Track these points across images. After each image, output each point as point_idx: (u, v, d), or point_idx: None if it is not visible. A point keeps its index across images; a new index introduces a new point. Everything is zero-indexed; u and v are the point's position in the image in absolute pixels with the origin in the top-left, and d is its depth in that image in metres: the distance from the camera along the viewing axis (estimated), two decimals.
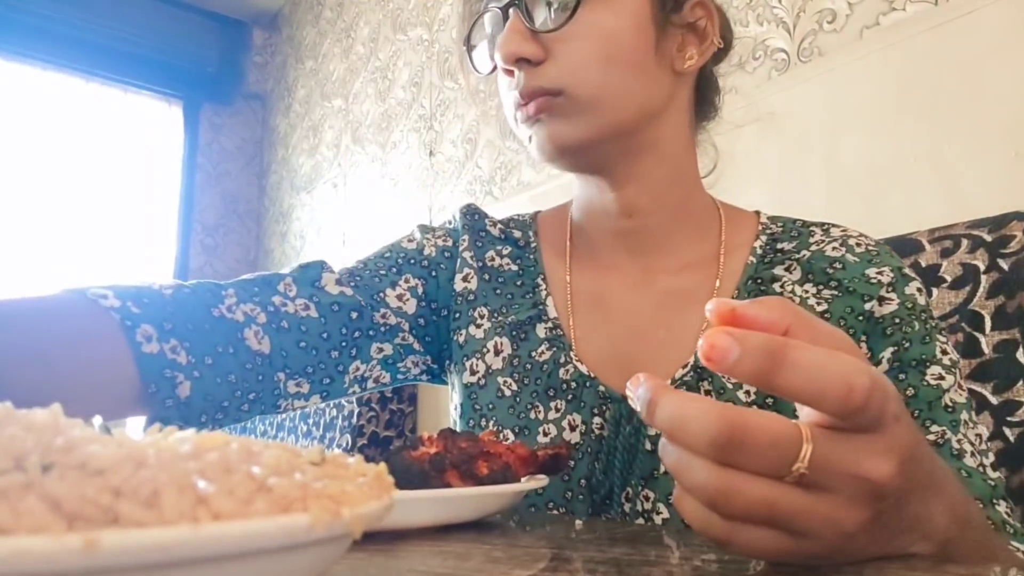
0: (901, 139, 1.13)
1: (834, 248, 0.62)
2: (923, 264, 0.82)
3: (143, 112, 3.28)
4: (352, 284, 0.68)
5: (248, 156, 3.57)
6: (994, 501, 0.51)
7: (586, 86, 0.57)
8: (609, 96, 0.58)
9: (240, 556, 0.18)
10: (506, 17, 0.59)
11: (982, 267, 0.77)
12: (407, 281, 0.70)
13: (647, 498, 0.58)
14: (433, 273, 0.72)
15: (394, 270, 0.71)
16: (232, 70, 3.47)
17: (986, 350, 0.75)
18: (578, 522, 0.55)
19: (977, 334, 0.76)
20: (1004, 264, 0.76)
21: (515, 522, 0.56)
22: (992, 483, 0.52)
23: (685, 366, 0.60)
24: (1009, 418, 0.72)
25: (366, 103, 2.71)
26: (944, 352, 0.57)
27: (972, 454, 0.53)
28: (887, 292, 0.59)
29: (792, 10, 1.30)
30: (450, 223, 0.77)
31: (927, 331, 0.58)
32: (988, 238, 0.78)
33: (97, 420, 0.26)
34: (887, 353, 0.57)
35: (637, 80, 0.59)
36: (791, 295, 0.61)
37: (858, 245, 0.62)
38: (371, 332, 0.67)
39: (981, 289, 0.77)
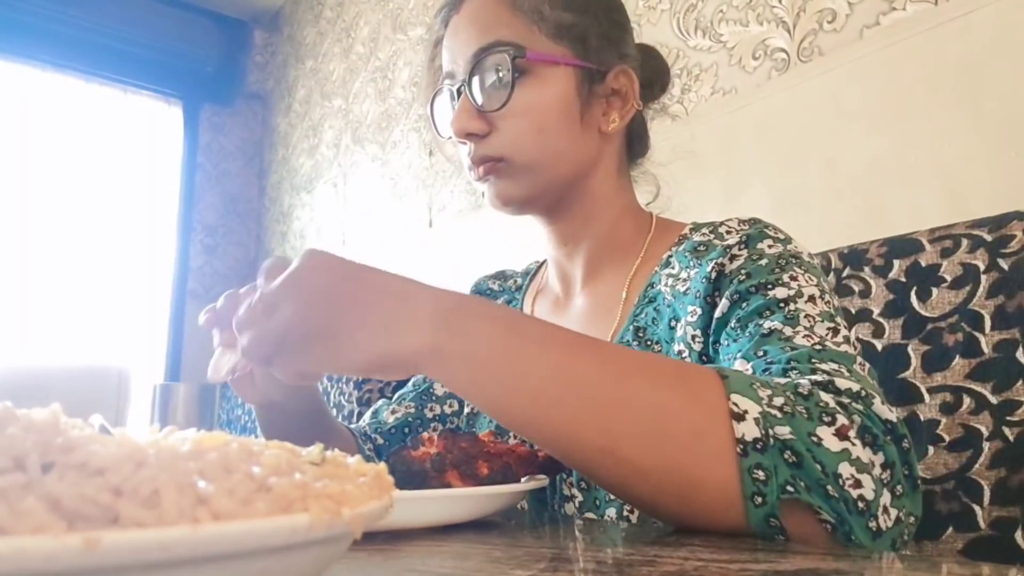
0: (901, 138, 1.13)
1: (703, 234, 0.69)
2: (923, 264, 0.82)
3: (143, 112, 3.28)
4: (405, 402, 0.88)
5: (248, 156, 3.57)
6: (813, 361, 0.49)
7: (523, 154, 0.68)
8: (543, 161, 0.69)
9: (240, 556, 0.18)
10: (460, 94, 0.70)
11: (982, 267, 0.77)
12: None
13: (571, 485, 0.68)
14: None
15: None
16: (232, 70, 3.47)
17: (986, 350, 0.75)
18: (578, 522, 0.55)
19: (977, 334, 0.76)
20: (1004, 264, 0.76)
21: (515, 522, 0.56)
22: (820, 348, 0.50)
23: None
24: (1008, 417, 0.72)
25: (366, 103, 2.71)
26: (792, 278, 0.58)
27: (806, 337, 0.52)
28: (738, 251, 0.64)
29: (792, 10, 1.30)
30: None
31: (777, 265, 0.60)
32: (988, 238, 0.78)
33: (97, 420, 0.26)
34: (728, 289, 0.60)
35: (566, 145, 0.70)
36: (666, 290, 0.68)
37: (728, 232, 0.67)
38: (422, 429, 0.85)
39: (981, 289, 0.77)
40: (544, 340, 0.46)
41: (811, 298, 0.56)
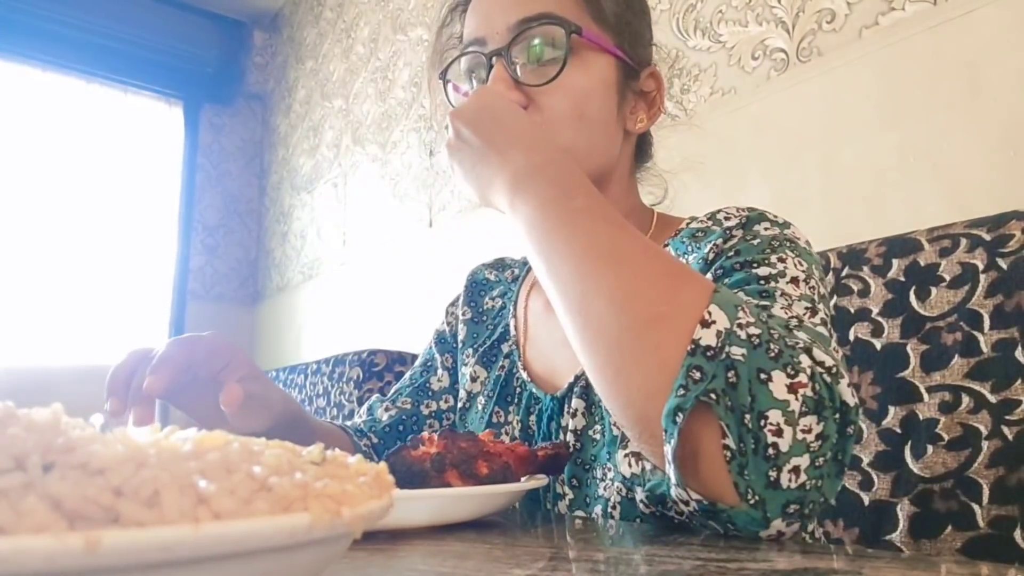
0: (900, 138, 1.13)
1: (701, 222, 0.67)
2: (922, 263, 0.82)
3: (144, 113, 3.28)
4: (401, 398, 0.87)
5: (248, 156, 3.57)
6: (790, 327, 0.49)
7: (560, 137, 0.65)
8: (578, 148, 0.66)
9: (241, 555, 0.18)
10: (489, 63, 0.66)
11: (981, 266, 0.77)
12: (441, 362, 0.88)
13: (562, 483, 0.67)
14: (453, 342, 0.88)
15: (431, 360, 0.90)
16: (232, 70, 3.47)
17: (984, 349, 0.75)
18: (577, 522, 0.55)
19: (976, 333, 0.76)
20: (1003, 263, 0.76)
21: (515, 522, 0.56)
22: (797, 323, 0.50)
23: (581, 367, 0.67)
24: (1007, 417, 0.72)
25: (366, 103, 2.71)
26: (781, 260, 0.57)
27: (784, 309, 0.52)
28: (735, 231, 0.62)
29: (791, 10, 1.30)
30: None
31: (769, 246, 0.59)
32: (987, 237, 0.78)
33: (97, 420, 0.26)
34: (715, 264, 0.60)
35: (600, 137, 0.68)
36: None
37: (727, 218, 0.65)
38: (418, 427, 0.85)
39: (980, 288, 0.77)
40: (578, 213, 0.52)
41: (794, 280, 0.55)
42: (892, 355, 0.81)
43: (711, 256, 0.61)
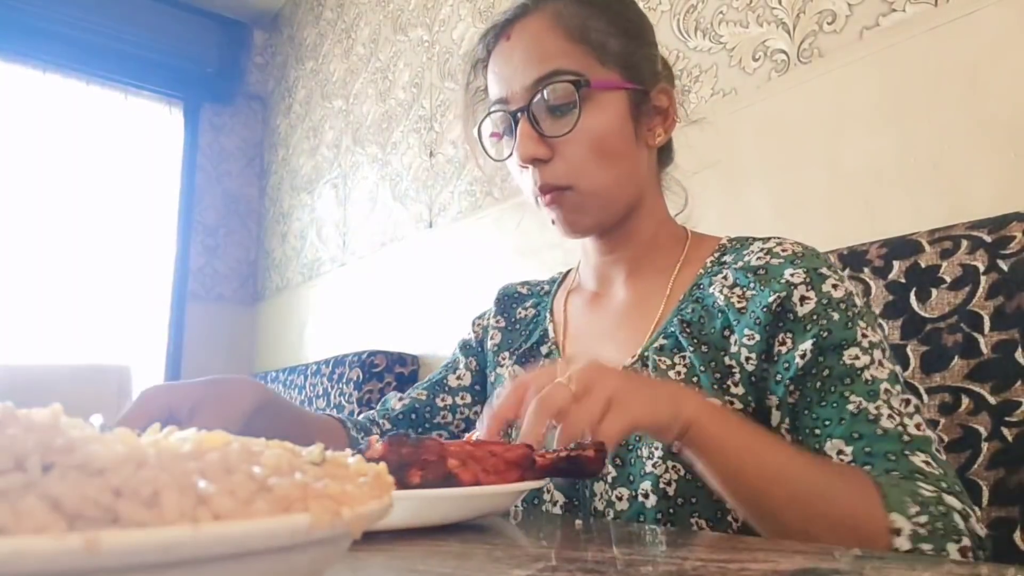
0: (901, 140, 1.13)
1: (759, 256, 0.71)
2: (922, 265, 0.82)
3: (143, 113, 3.28)
4: (417, 391, 0.91)
5: (248, 157, 3.57)
6: (906, 452, 0.57)
7: (590, 180, 0.71)
8: (608, 186, 0.72)
9: (240, 556, 0.18)
10: (514, 119, 0.72)
11: (981, 268, 0.77)
12: (464, 364, 0.93)
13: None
14: (480, 349, 0.94)
15: (453, 362, 0.95)
16: (232, 71, 3.47)
17: (985, 350, 0.75)
18: (578, 522, 0.55)
19: (976, 334, 0.76)
20: (1003, 265, 0.76)
21: (515, 522, 0.56)
22: (908, 438, 0.58)
23: (633, 356, 0.73)
24: (1007, 418, 0.72)
25: (366, 104, 2.71)
26: (864, 336, 0.63)
27: (889, 416, 0.59)
28: (806, 291, 0.66)
29: (792, 11, 1.30)
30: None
31: (848, 318, 0.64)
32: (988, 239, 0.78)
33: (97, 420, 0.26)
34: (808, 344, 0.64)
35: (626, 166, 0.73)
36: (719, 296, 0.71)
37: (784, 251, 0.70)
38: (431, 416, 0.90)
39: (980, 290, 0.77)
40: (755, 437, 0.57)
41: (879, 363, 0.62)
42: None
43: (776, 307, 0.66)
